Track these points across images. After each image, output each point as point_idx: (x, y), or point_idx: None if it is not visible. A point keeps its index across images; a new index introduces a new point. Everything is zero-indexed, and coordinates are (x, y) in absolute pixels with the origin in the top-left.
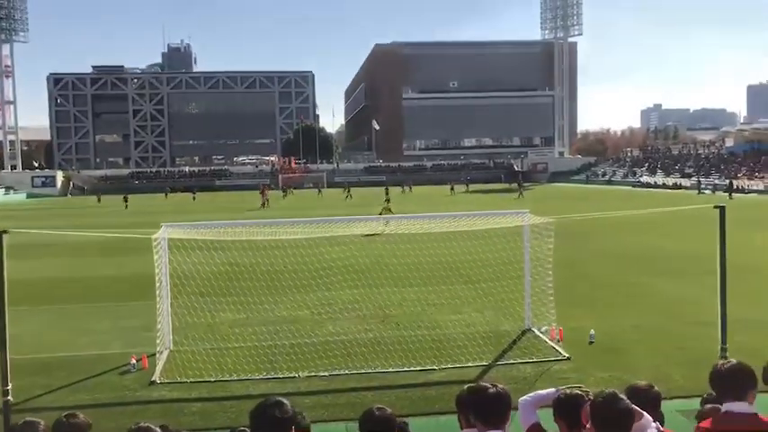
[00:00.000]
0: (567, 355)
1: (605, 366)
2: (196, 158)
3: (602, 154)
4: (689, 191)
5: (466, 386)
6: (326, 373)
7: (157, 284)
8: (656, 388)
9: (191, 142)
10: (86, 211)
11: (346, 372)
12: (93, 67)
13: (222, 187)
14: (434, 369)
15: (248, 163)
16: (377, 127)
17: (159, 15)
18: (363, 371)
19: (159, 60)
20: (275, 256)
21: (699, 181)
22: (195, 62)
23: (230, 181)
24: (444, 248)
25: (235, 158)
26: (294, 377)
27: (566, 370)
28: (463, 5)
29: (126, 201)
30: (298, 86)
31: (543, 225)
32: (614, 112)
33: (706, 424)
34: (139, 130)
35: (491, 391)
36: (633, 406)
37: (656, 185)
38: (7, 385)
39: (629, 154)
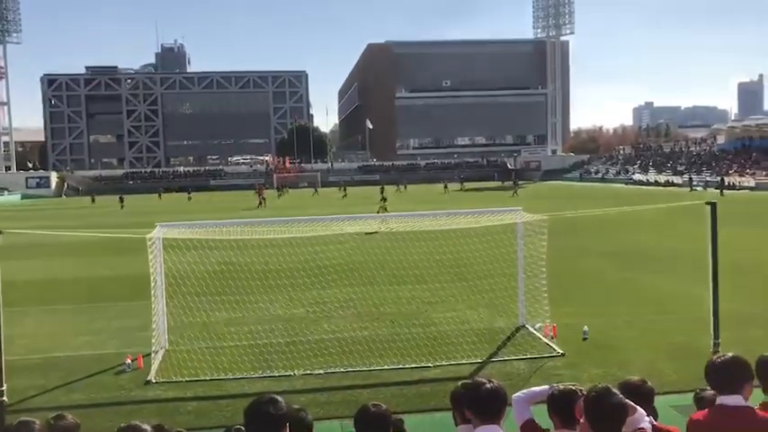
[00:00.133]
0: (560, 352)
1: (599, 362)
2: (191, 158)
3: (595, 152)
4: (681, 188)
5: (460, 382)
6: (322, 371)
7: (152, 284)
8: (649, 383)
9: (185, 142)
10: (81, 211)
11: (342, 370)
12: (87, 67)
13: (217, 187)
14: (429, 366)
15: (243, 163)
16: (370, 126)
17: (152, 16)
18: (358, 369)
19: (153, 61)
20: (270, 255)
21: (690, 178)
22: (189, 62)
23: (225, 181)
24: (438, 246)
25: (229, 158)
26: (289, 375)
27: (560, 366)
28: (456, 4)
29: (122, 201)
30: (291, 86)
31: (537, 222)
32: (606, 111)
33: (699, 416)
34: (134, 130)
35: (486, 386)
36: (626, 400)
37: (648, 183)
38: (2, 386)
39: (621, 152)
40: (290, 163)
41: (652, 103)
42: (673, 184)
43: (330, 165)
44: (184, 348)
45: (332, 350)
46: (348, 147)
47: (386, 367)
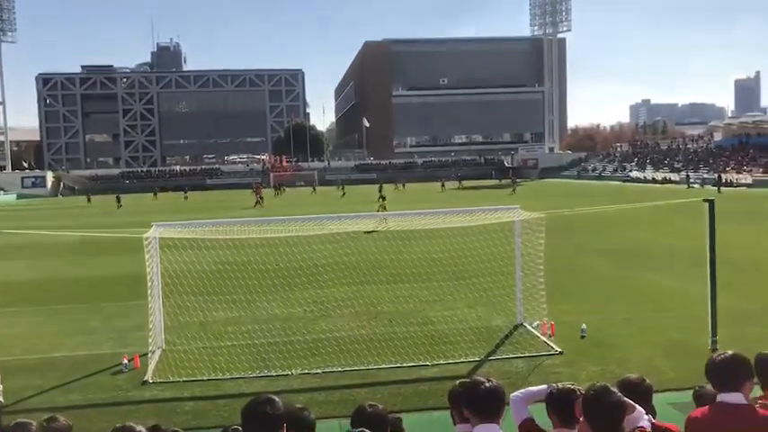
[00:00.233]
0: (559, 350)
1: (597, 360)
2: (187, 158)
3: (592, 149)
4: (678, 185)
5: (458, 381)
6: (319, 371)
7: (149, 284)
8: (647, 381)
9: (181, 141)
10: (77, 211)
11: (339, 369)
12: (83, 66)
13: (213, 186)
14: (427, 365)
15: (239, 162)
16: (367, 124)
17: (148, 14)
18: (356, 368)
19: (148, 59)
20: (267, 255)
21: (687, 175)
22: (185, 61)
23: (221, 180)
24: (435, 245)
25: (226, 157)
26: (287, 375)
27: (558, 364)
28: (453, 2)
29: (119, 201)
30: (288, 85)
31: (534, 220)
32: (604, 108)
33: (698, 414)
34: (129, 129)
35: (485, 386)
36: (625, 399)
37: (645, 180)
38: None
39: (618, 149)
40: (287, 162)
41: (649, 100)
42: (670, 182)
43: (327, 163)
44: (181, 348)
45: (329, 349)
46: (345, 145)
47: (383, 366)
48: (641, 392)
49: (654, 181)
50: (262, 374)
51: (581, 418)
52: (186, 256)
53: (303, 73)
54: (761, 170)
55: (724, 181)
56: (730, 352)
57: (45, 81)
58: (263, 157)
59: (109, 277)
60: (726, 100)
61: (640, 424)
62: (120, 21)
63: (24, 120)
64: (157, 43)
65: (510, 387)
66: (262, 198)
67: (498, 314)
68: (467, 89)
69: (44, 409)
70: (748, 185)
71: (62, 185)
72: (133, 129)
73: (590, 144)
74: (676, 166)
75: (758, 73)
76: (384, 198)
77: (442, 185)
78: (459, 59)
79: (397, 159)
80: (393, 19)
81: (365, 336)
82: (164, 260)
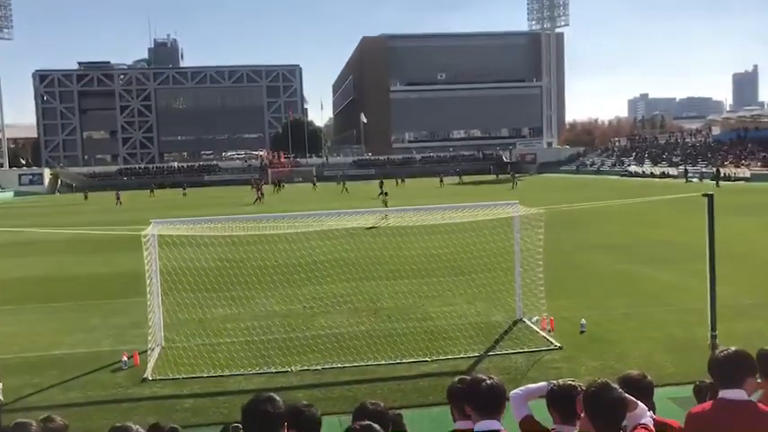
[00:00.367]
0: (558, 345)
1: (597, 355)
2: (185, 154)
3: (591, 144)
4: (676, 179)
5: (457, 378)
6: (319, 367)
7: (148, 281)
8: (648, 377)
9: (179, 138)
10: (75, 208)
11: (339, 365)
12: (79, 63)
13: (211, 182)
14: (426, 361)
15: (237, 158)
16: (365, 120)
17: (145, 11)
18: (356, 364)
19: (146, 56)
20: (266, 251)
21: (686, 169)
22: (182, 57)
23: (219, 176)
24: (434, 240)
25: (223, 153)
26: (287, 371)
27: (557, 359)
28: None
29: (118, 198)
30: (285, 80)
31: (533, 216)
32: (602, 103)
33: (699, 409)
34: (127, 126)
35: (486, 382)
36: (627, 395)
37: (643, 175)
38: None
39: (616, 144)
40: (285, 158)
41: (647, 94)
42: (668, 176)
43: (325, 159)
44: (181, 345)
45: (329, 345)
46: (343, 141)
47: (383, 362)
48: (642, 389)
49: (652, 175)
50: (261, 371)
51: (582, 415)
52: (185, 253)
53: (301, 69)
54: (759, 164)
55: (722, 175)
56: (733, 348)
57: (42, 78)
58: (260, 153)
59: (108, 275)
60: (724, 94)
61: (643, 421)
62: (116, 17)
63: (21, 117)
64: (154, 39)
65: (509, 382)
66: (263, 194)
67: (498, 310)
68: (464, 84)
69: (43, 407)
70: (746, 179)
71: (59, 183)
72: (131, 125)
73: (588, 139)
74: (674, 160)
75: (756, 67)
76: (386, 193)
77: (441, 181)
78: (456, 55)
79: (396, 155)
80: (391, 13)
81: (364, 332)
82: (162, 257)
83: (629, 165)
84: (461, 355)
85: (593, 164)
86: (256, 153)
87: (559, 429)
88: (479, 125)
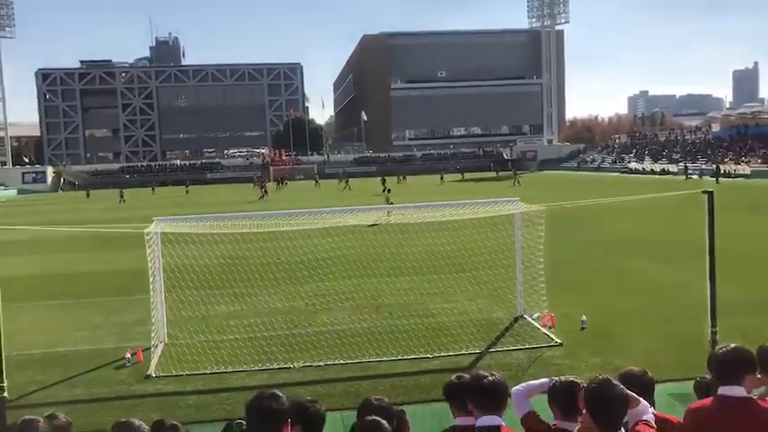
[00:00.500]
0: (559, 342)
1: (597, 352)
2: (187, 152)
3: (591, 141)
4: (676, 176)
5: (454, 375)
6: (321, 363)
7: (151, 278)
8: (649, 374)
9: (181, 136)
10: (78, 206)
11: (341, 361)
12: (82, 61)
13: (213, 180)
14: (428, 357)
15: (239, 156)
16: (365, 118)
17: (146, 9)
18: (358, 360)
19: (147, 54)
20: (268, 248)
21: (686, 166)
22: (183, 55)
23: (221, 174)
24: (436, 237)
25: (225, 151)
26: (289, 368)
27: (558, 356)
28: None
29: (122, 195)
30: (287, 78)
31: (534, 213)
32: (602, 100)
33: (698, 405)
34: (129, 124)
35: (488, 378)
36: (629, 392)
37: (643, 172)
38: (2, 382)
39: (616, 141)
40: (286, 155)
41: (647, 91)
42: (668, 173)
43: (326, 157)
44: (184, 342)
45: (331, 342)
46: (344, 139)
47: (385, 359)
48: (643, 385)
49: (652, 172)
50: (264, 367)
51: (583, 411)
52: (188, 251)
53: (302, 67)
54: (759, 161)
55: (722, 172)
56: (732, 345)
57: (44, 76)
58: (262, 151)
59: (111, 272)
60: (724, 91)
61: (644, 417)
62: (118, 15)
63: (24, 115)
64: (156, 38)
65: (510, 379)
66: (266, 192)
67: (499, 306)
68: (465, 82)
69: (47, 404)
70: (747, 176)
71: (62, 181)
72: (133, 123)
73: (588, 136)
74: (674, 157)
75: (756, 64)
76: (389, 190)
77: (441, 178)
78: (456, 52)
79: (396, 152)
80: (392, 11)
81: (366, 329)
82: (165, 254)
83: (629, 162)
84: (463, 352)
85: (593, 161)
86: (258, 151)
87: (561, 425)
88: (480, 122)
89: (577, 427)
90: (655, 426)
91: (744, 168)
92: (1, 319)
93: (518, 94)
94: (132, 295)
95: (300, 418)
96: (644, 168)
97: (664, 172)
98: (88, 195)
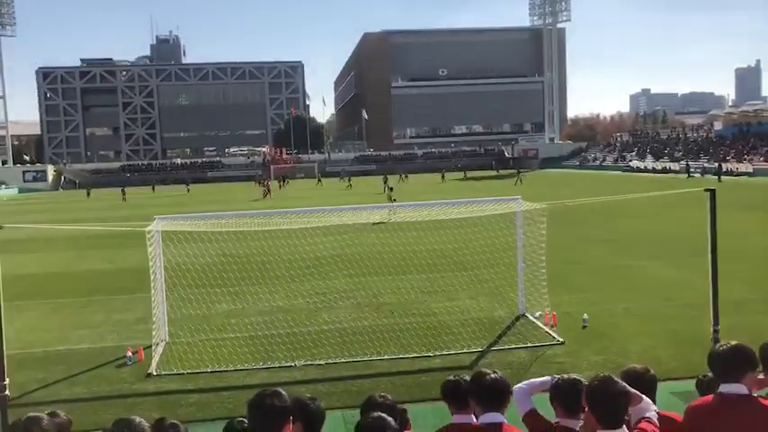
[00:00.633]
0: (561, 340)
1: (599, 350)
2: (187, 150)
3: (592, 139)
4: (678, 174)
5: (452, 375)
6: (323, 362)
7: (152, 277)
8: (651, 371)
9: (181, 134)
10: (80, 204)
11: (342, 360)
12: (82, 60)
13: (214, 179)
14: (429, 356)
15: (240, 154)
16: (366, 116)
17: (147, 7)
18: (359, 359)
19: (148, 52)
20: (269, 247)
21: (688, 164)
22: (184, 54)
23: (222, 172)
24: (437, 236)
25: (226, 150)
26: (290, 366)
27: (560, 354)
28: None
29: (124, 194)
30: (287, 77)
31: (536, 211)
32: (603, 98)
33: (698, 403)
34: (130, 122)
35: (490, 376)
36: (631, 389)
37: (645, 170)
38: (4, 380)
39: (618, 139)
40: (287, 154)
41: (649, 89)
42: (670, 171)
43: (327, 155)
44: (185, 341)
45: (332, 340)
46: (345, 137)
47: (386, 357)
48: (645, 382)
49: (654, 171)
50: (265, 366)
51: (586, 409)
52: (189, 249)
53: (303, 65)
54: (762, 159)
55: (724, 170)
56: (732, 342)
57: (45, 75)
58: (263, 149)
59: (112, 271)
60: (726, 89)
61: (647, 414)
62: (118, 14)
63: (25, 114)
64: (157, 36)
65: (512, 377)
66: (269, 190)
67: (500, 305)
68: (466, 80)
69: (49, 403)
70: (749, 174)
71: (63, 179)
72: (133, 122)
73: (590, 134)
74: (676, 155)
75: (759, 62)
76: (392, 189)
77: (443, 177)
78: (458, 50)
79: (397, 151)
80: (393, 9)
81: (367, 327)
82: (167, 253)
83: (630, 160)
84: (464, 351)
85: (595, 159)
86: (259, 149)
87: (563, 423)
88: (481, 121)
89: (579, 425)
90: (657, 423)
91: (746, 166)
92: (2, 318)
93: (519, 92)
94: (133, 294)
95: (301, 415)
96: (646, 167)
97: (665, 170)
98: (89, 194)
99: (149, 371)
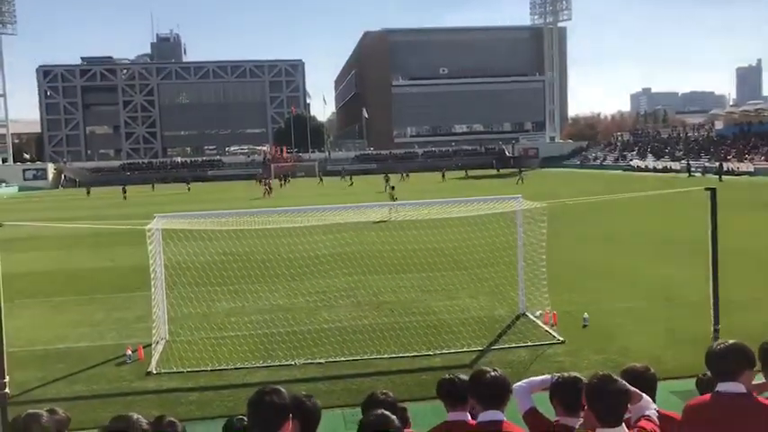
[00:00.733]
0: (561, 339)
1: (599, 349)
2: (188, 149)
3: (593, 139)
4: (679, 174)
5: (447, 375)
6: (323, 361)
7: (152, 275)
8: (652, 370)
9: (182, 133)
10: (80, 203)
11: (342, 359)
12: (83, 58)
13: (215, 177)
14: (429, 355)
15: (240, 153)
16: (366, 115)
17: (147, 5)
18: (359, 357)
19: (148, 51)
20: (270, 245)
21: (688, 164)
22: (185, 52)
23: (222, 171)
24: (437, 234)
25: (227, 148)
26: (290, 365)
27: (560, 353)
28: None
29: (125, 192)
30: (288, 75)
31: (536, 210)
32: (604, 97)
33: (696, 402)
34: (130, 121)
35: (490, 374)
36: (631, 387)
37: (646, 169)
38: (4, 378)
39: (619, 138)
40: (288, 153)
41: (650, 89)
42: (671, 170)
43: (327, 154)
44: (185, 339)
45: (332, 339)
46: (346, 136)
47: (386, 356)
48: (645, 381)
49: (655, 170)
50: (265, 364)
51: (586, 407)
52: (189, 247)
53: (303, 63)
54: (762, 158)
55: (725, 169)
56: (730, 341)
57: (45, 73)
58: (263, 148)
59: (112, 268)
60: (727, 88)
61: (647, 413)
62: (119, 12)
63: (25, 112)
64: (157, 34)
65: (512, 376)
66: (270, 189)
67: (500, 304)
68: (467, 78)
69: (49, 400)
70: (750, 174)
71: (63, 178)
72: (134, 120)
73: (591, 133)
74: (677, 154)
75: (760, 61)
76: (393, 187)
77: (443, 175)
78: (458, 49)
79: (398, 150)
80: (393, 7)
81: (367, 326)
82: (167, 251)
83: (631, 159)
84: (464, 349)
85: (595, 158)
86: (259, 148)
87: (563, 421)
88: (481, 120)
89: (579, 423)
90: (657, 422)
91: (747, 166)
92: (2, 316)
93: (520, 91)
94: (133, 292)
95: (297, 413)
96: (647, 166)
97: (666, 170)
98: (89, 193)
99: (149, 369)
